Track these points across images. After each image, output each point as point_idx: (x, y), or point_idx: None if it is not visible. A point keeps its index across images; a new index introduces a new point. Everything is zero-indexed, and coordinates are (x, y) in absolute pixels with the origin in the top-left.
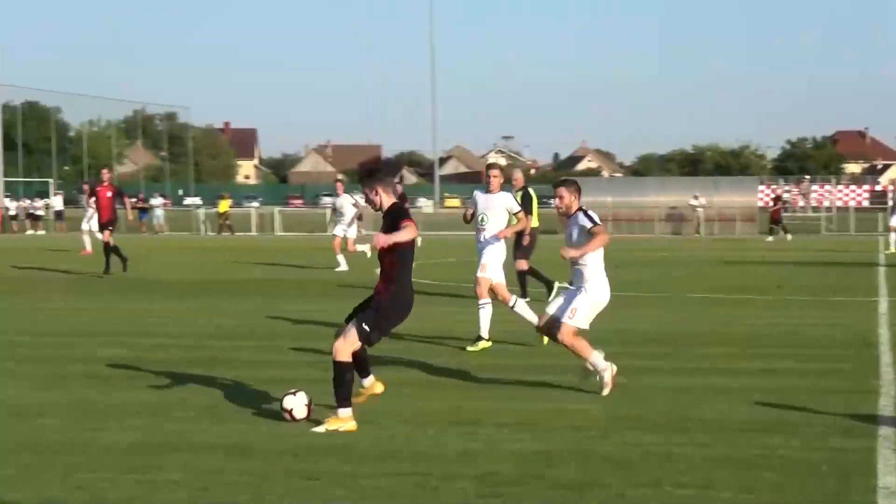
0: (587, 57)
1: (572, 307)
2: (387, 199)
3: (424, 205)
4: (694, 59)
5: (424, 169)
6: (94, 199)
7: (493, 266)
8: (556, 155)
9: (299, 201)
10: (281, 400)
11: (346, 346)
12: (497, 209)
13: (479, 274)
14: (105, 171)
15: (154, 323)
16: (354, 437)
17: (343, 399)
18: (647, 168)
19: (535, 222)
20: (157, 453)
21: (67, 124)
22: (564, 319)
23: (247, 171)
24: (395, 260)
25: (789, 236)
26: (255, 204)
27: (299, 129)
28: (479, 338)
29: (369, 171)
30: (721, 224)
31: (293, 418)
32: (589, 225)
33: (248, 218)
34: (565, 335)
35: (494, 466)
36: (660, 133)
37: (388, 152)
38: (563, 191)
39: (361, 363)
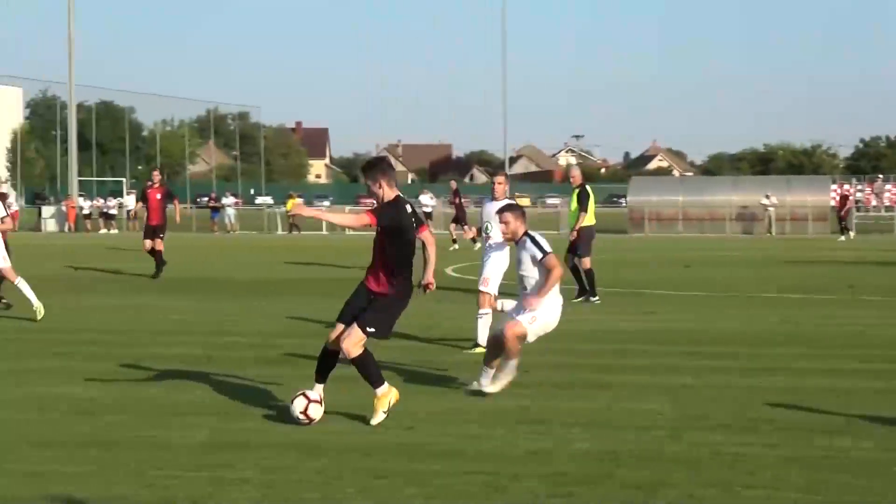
0: (659, 56)
1: (534, 314)
2: (389, 192)
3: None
4: (766, 58)
5: (494, 168)
6: (141, 203)
7: (494, 281)
8: (627, 154)
9: (370, 200)
10: (292, 405)
11: (355, 345)
12: (496, 218)
13: (481, 287)
14: (155, 171)
15: (225, 321)
16: (424, 437)
17: (375, 379)
18: (718, 167)
19: (591, 219)
20: (227, 451)
21: (141, 124)
22: (522, 318)
23: (318, 170)
24: (395, 254)
25: (851, 235)
26: (327, 203)
27: (370, 129)
28: (476, 344)
29: (371, 163)
30: (793, 223)
31: (309, 419)
32: (539, 255)
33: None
34: (514, 330)
35: (563, 466)
36: (731, 132)
37: (458, 151)
38: (508, 216)
39: (326, 371)
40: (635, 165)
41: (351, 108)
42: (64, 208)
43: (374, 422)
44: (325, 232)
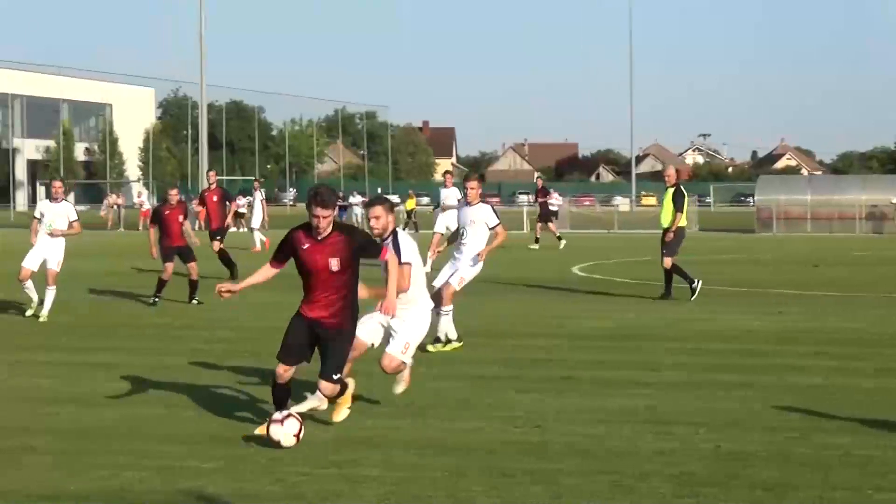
0: (786, 54)
1: (407, 342)
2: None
3: (621, 203)
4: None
5: (621, 167)
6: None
7: (467, 281)
8: (755, 153)
9: (496, 199)
10: (267, 426)
11: (333, 392)
12: (477, 222)
13: (454, 285)
14: (211, 173)
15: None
16: (551, 435)
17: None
18: (847, 166)
19: (683, 221)
20: (356, 449)
21: (270, 123)
22: (394, 351)
23: (444, 169)
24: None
25: None
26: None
27: (497, 128)
28: (449, 340)
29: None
30: None
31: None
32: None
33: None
34: (393, 365)
35: (690, 466)
36: (861, 130)
37: (584, 150)
38: (380, 210)
39: (286, 398)
40: (763, 164)
41: (477, 108)
42: (194, 207)
43: (338, 419)
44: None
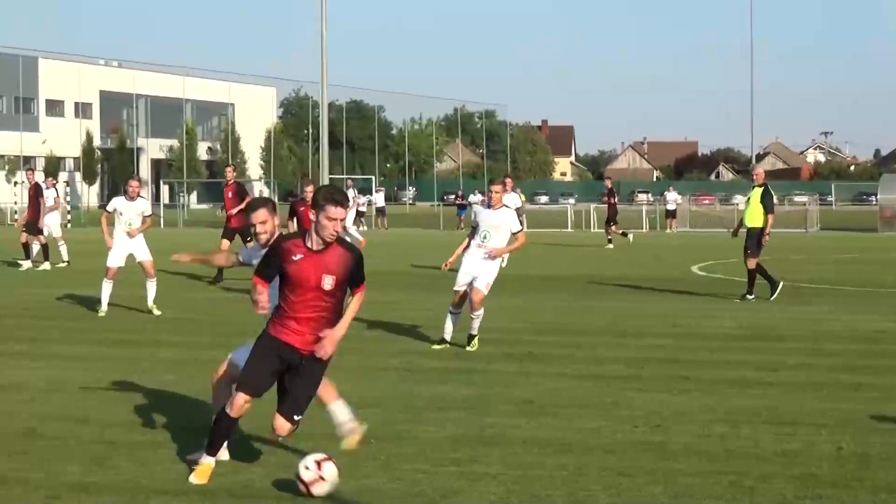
0: None
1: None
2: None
3: (741, 202)
4: None
5: (741, 166)
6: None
7: (491, 285)
8: (878, 151)
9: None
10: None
11: (289, 433)
12: (501, 227)
13: (484, 290)
14: (228, 168)
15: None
16: (670, 435)
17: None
18: None
19: (766, 221)
20: (475, 447)
21: (390, 122)
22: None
23: (563, 168)
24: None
25: None
26: (571, 201)
27: (616, 126)
28: (444, 340)
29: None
30: None
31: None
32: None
33: (565, 215)
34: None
35: (812, 468)
36: None
37: (703, 148)
38: (263, 213)
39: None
40: (886, 162)
41: (597, 107)
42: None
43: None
44: (570, 230)
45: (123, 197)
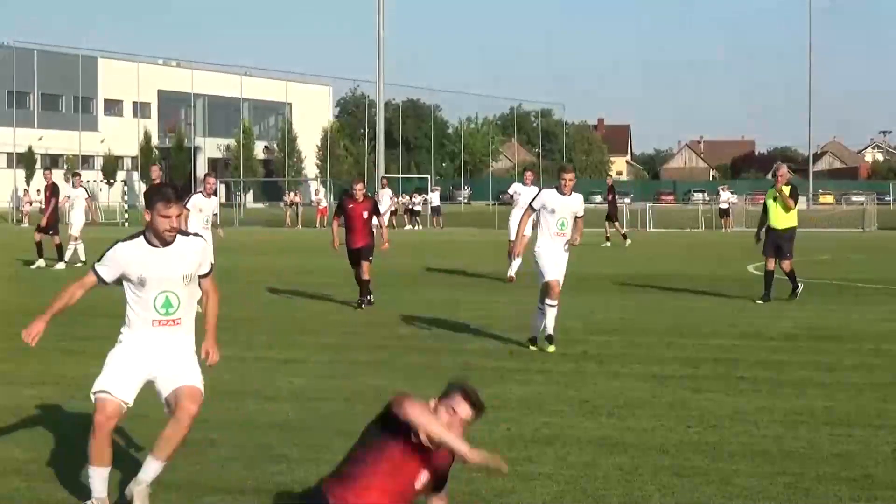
0: None
1: None
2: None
3: (800, 201)
4: None
5: (798, 165)
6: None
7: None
8: None
9: (670, 197)
10: None
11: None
12: (577, 212)
13: (561, 280)
14: (154, 167)
15: (529, 315)
16: (726, 435)
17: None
18: None
19: (794, 220)
20: (530, 447)
21: (446, 122)
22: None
23: (619, 167)
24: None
25: None
26: (627, 200)
27: (673, 125)
28: (548, 336)
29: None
30: None
31: None
32: None
33: (621, 214)
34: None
35: (870, 469)
36: None
37: (761, 147)
38: (175, 208)
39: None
40: None
41: (653, 105)
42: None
43: None
44: (626, 228)
45: (201, 193)
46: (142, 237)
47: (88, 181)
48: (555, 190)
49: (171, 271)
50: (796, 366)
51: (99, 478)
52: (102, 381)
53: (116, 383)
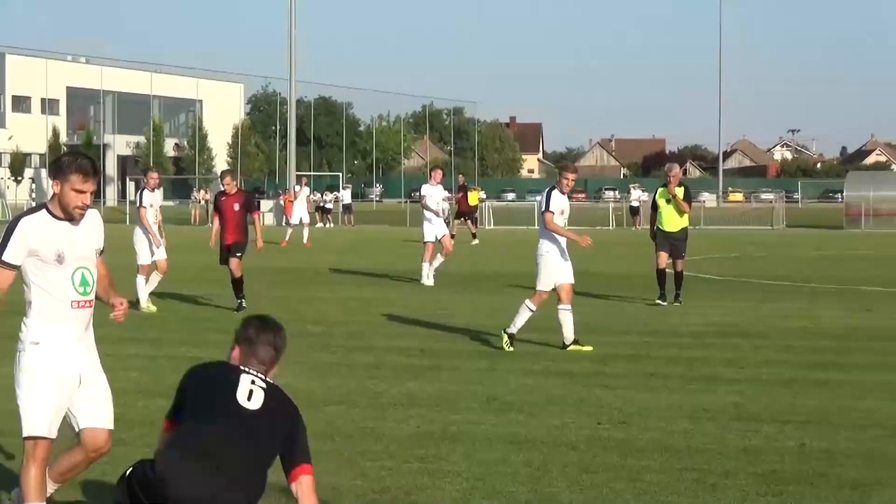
0: (876, 48)
1: None
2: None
3: (707, 199)
4: None
5: (708, 163)
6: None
7: None
8: (844, 149)
9: (582, 195)
10: None
11: None
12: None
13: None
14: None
15: (443, 313)
16: (634, 431)
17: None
18: None
19: (686, 221)
20: (439, 444)
21: (358, 119)
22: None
23: (531, 165)
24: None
25: None
26: (538, 198)
27: (584, 124)
28: (576, 341)
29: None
30: None
31: None
32: None
33: (531, 212)
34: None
35: (776, 464)
36: None
37: (671, 146)
38: (92, 184)
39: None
40: (852, 160)
41: (564, 104)
42: (282, 202)
43: None
44: (537, 226)
45: (147, 189)
46: (44, 210)
47: None
48: (558, 191)
49: (85, 246)
50: (706, 362)
51: None
52: (37, 423)
53: (51, 424)
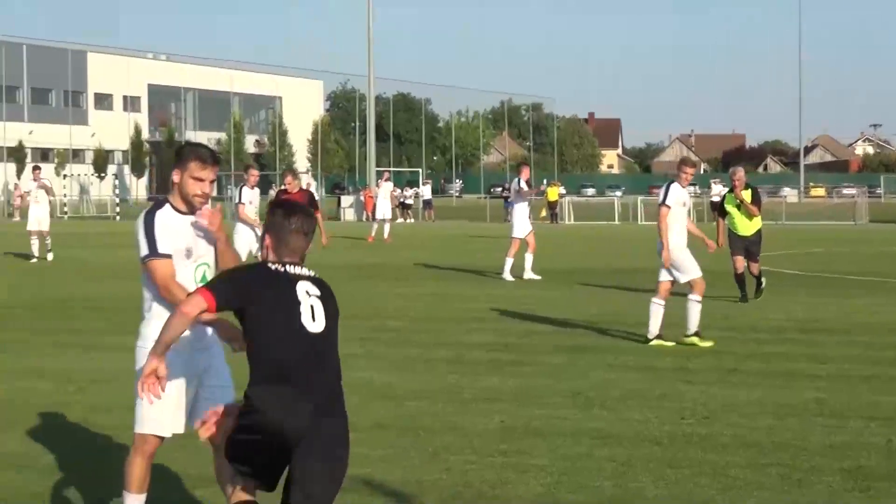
0: None
1: None
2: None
3: (789, 194)
4: None
5: (789, 158)
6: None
7: None
8: None
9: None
10: None
11: None
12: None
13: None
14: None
15: (524, 309)
16: (719, 427)
17: None
18: None
19: (759, 222)
20: (523, 438)
21: (437, 115)
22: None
23: (610, 160)
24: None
25: None
26: (618, 193)
27: (663, 119)
28: (697, 333)
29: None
30: None
31: None
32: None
33: (612, 207)
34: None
35: (862, 460)
36: None
37: (751, 141)
38: (211, 172)
39: None
40: None
41: (644, 99)
42: (362, 198)
43: None
44: (617, 221)
45: (246, 186)
46: (167, 205)
47: (78, 175)
48: (678, 184)
49: (208, 240)
50: (788, 358)
51: None
52: (154, 420)
53: (163, 423)
